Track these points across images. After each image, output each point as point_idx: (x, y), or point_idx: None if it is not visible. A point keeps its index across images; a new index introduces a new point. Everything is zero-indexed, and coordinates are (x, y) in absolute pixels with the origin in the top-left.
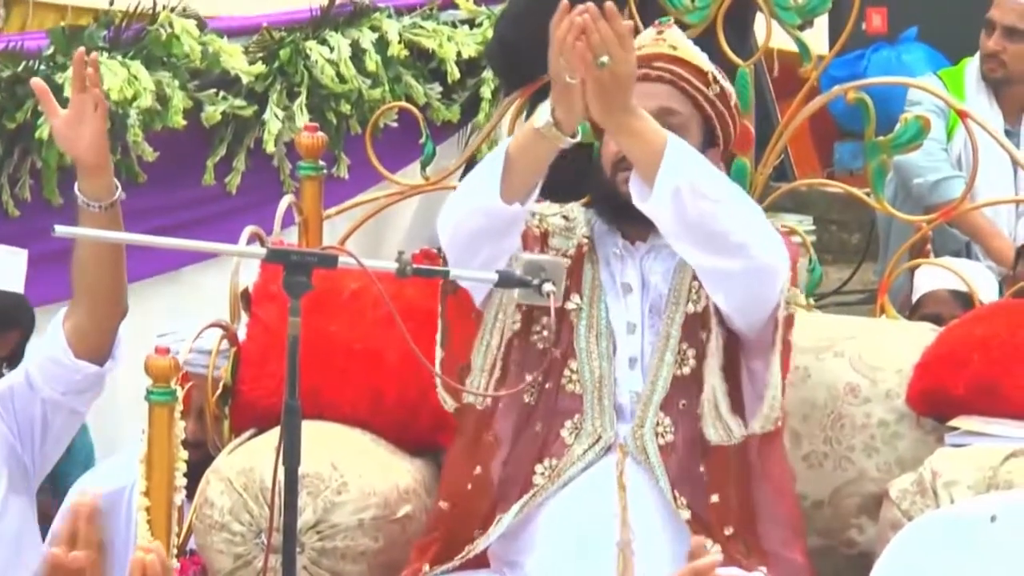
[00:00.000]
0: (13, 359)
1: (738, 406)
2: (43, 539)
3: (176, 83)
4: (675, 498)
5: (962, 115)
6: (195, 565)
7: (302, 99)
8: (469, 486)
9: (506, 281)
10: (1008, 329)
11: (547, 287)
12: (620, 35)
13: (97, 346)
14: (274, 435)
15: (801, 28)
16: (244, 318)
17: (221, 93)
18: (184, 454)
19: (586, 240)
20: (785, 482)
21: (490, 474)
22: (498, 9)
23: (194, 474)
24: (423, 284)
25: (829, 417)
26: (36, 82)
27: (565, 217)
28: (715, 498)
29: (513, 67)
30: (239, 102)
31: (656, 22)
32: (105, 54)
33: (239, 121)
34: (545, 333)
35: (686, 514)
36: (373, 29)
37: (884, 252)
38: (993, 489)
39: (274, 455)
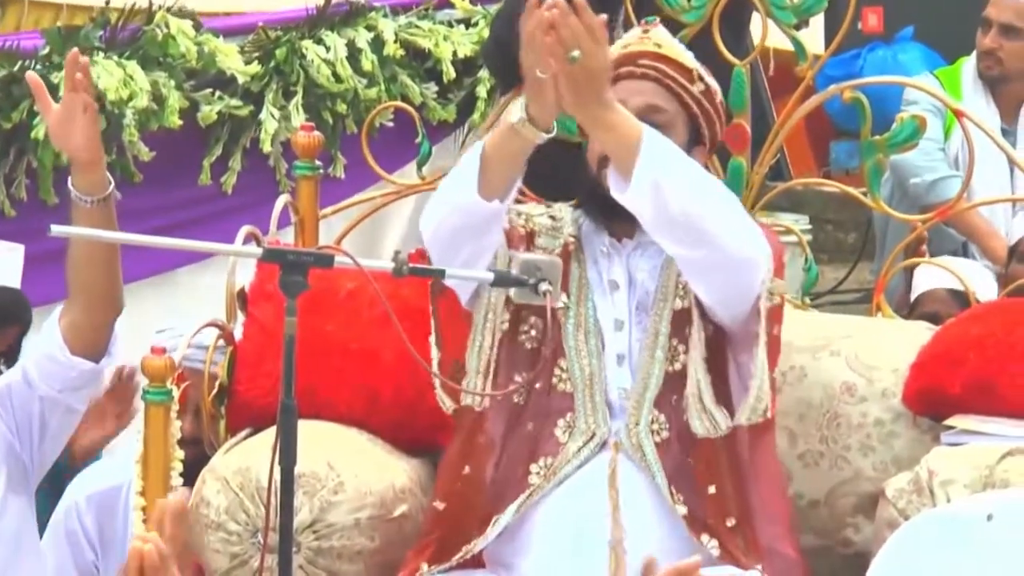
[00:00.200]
0: (10, 355)
1: (723, 397)
2: (40, 538)
3: (172, 83)
4: (672, 494)
5: (958, 114)
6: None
7: (298, 99)
8: (460, 486)
9: (502, 281)
10: (1004, 328)
11: (543, 286)
12: (591, 29)
13: (93, 343)
14: (270, 434)
15: (797, 27)
16: (240, 318)
17: (217, 93)
18: (180, 454)
19: (573, 239)
20: (777, 477)
21: (483, 475)
22: (494, 9)
23: (191, 471)
24: (419, 284)
25: (825, 416)
26: (31, 76)
27: (552, 217)
28: (712, 489)
29: (509, 66)
30: (235, 102)
31: (643, 21)
32: (101, 54)
33: (235, 121)
34: (533, 333)
35: (683, 509)
36: (369, 29)
37: (880, 251)
38: (989, 488)
39: (270, 454)
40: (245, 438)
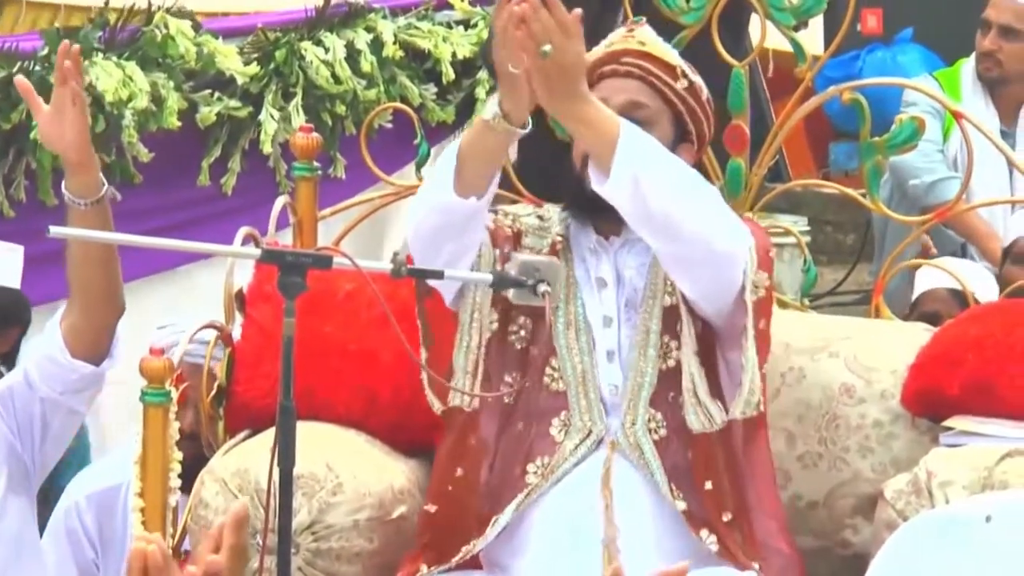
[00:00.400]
0: (10, 356)
1: (717, 391)
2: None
3: (171, 84)
4: (671, 491)
5: (957, 116)
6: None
7: (297, 100)
8: (451, 488)
9: (501, 282)
10: (1003, 329)
11: (542, 288)
12: (562, 23)
13: (94, 345)
14: (269, 436)
15: (796, 29)
16: (239, 319)
17: (216, 94)
18: (179, 455)
19: (560, 238)
20: (770, 473)
21: (476, 476)
22: (492, 10)
23: (192, 467)
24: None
25: (824, 418)
26: (20, 80)
27: (540, 217)
28: (708, 485)
29: None
30: (234, 103)
31: (629, 21)
32: (100, 55)
33: (234, 122)
34: (523, 333)
35: (682, 505)
36: (368, 30)
37: (879, 253)
38: (988, 489)
39: (269, 456)
40: (244, 439)
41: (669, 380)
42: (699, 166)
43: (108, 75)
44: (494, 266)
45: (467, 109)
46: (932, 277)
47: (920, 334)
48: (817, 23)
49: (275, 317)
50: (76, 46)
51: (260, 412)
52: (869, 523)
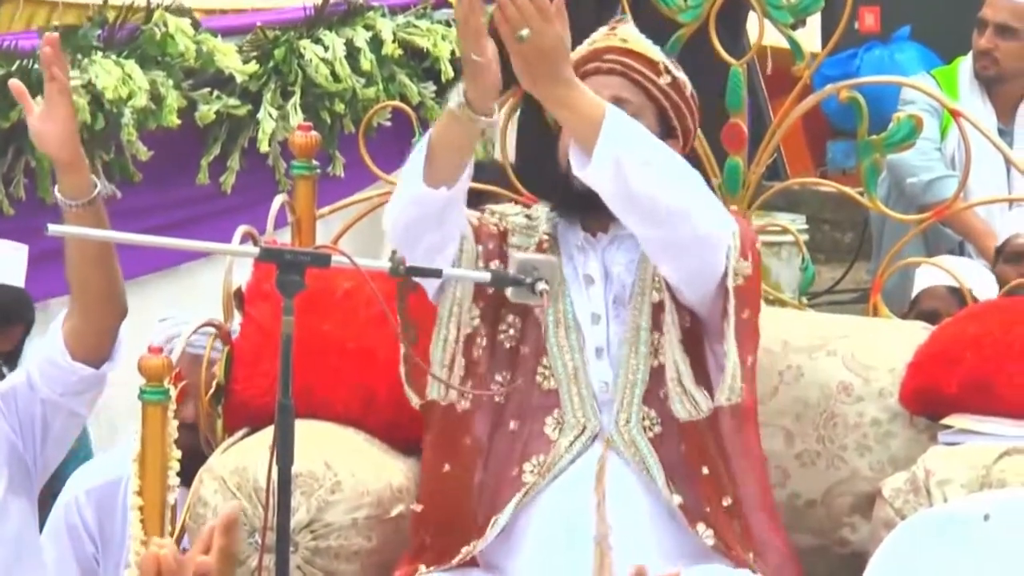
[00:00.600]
0: (14, 355)
1: (703, 379)
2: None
3: (170, 82)
4: (668, 486)
5: (955, 114)
6: None
7: (296, 98)
8: (439, 485)
9: (499, 280)
10: (1001, 327)
11: (540, 286)
12: (540, 7)
13: (94, 347)
14: (267, 434)
15: (794, 27)
16: (237, 317)
17: (215, 92)
18: (177, 453)
19: (547, 237)
20: (762, 469)
21: (469, 476)
22: (492, 9)
23: (193, 457)
24: (416, 284)
25: (822, 416)
26: (14, 83)
27: (528, 216)
28: (705, 470)
29: (507, 65)
30: (233, 101)
31: (612, 19)
32: (99, 53)
33: (233, 120)
34: (512, 332)
35: (679, 499)
36: (367, 28)
37: (877, 251)
38: (986, 488)
39: (267, 454)
40: (242, 438)
41: (660, 377)
42: (695, 161)
43: (107, 73)
44: (476, 262)
45: None
46: (932, 275)
47: (918, 332)
48: (815, 21)
49: (274, 315)
50: (55, 34)
51: (259, 410)
52: (867, 521)
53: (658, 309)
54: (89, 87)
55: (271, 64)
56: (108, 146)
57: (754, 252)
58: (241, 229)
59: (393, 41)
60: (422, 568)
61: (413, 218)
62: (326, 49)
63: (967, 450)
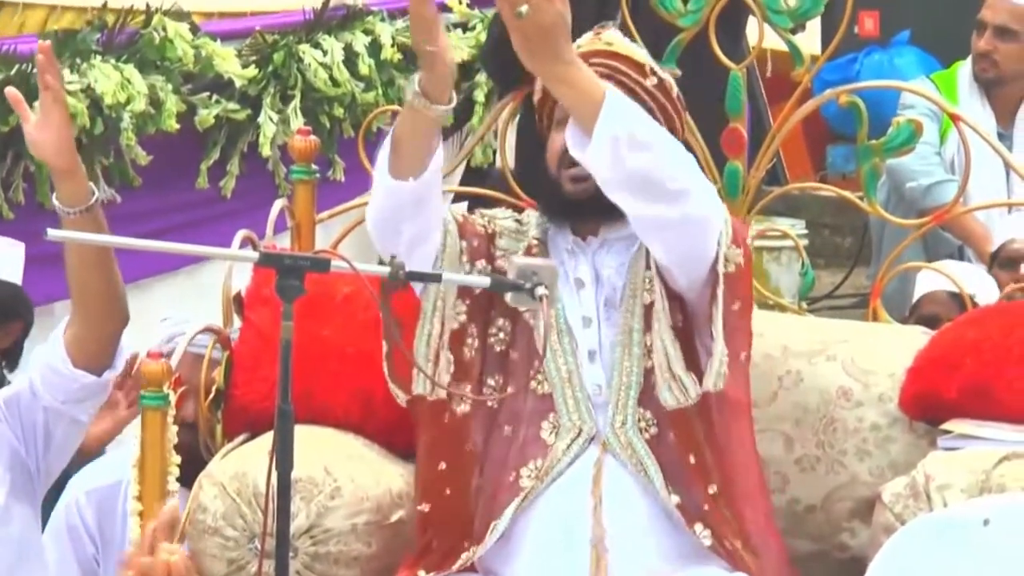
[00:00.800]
0: (14, 352)
1: (693, 365)
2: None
3: (169, 86)
4: (667, 487)
5: (955, 119)
6: None
7: (296, 103)
8: (436, 483)
9: (499, 285)
10: (1001, 332)
11: (540, 291)
12: None
13: (95, 354)
14: (267, 439)
15: (793, 31)
16: (237, 322)
17: (214, 96)
18: (177, 459)
19: (536, 241)
20: (756, 464)
21: (468, 480)
22: (491, 13)
23: (193, 457)
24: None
25: (821, 421)
26: (10, 91)
27: (518, 221)
28: (692, 459)
29: (507, 69)
30: (232, 105)
31: (598, 25)
32: (98, 57)
33: (232, 125)
34: (502, 335)
35: (676, 499)
36: (366, 32)
37: (877, 256)
38: (986, 493)
39: (267, 460)
40: (242, 443)
41: (654, 378)
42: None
43: (106, 77)
44: (460, 257)
45: (465, 112)
46: (933, 280)
47: (918, 337)
48: (814, 26)
49: (273, 320)
50: (47, 42)
51: (258, 415)
52: (867, 526)
53: (650, 310)
54: (88, 91)
55: (270, 68)
56: (107, 150)
57: (745, 246)
58: (241, 234)
59: (392, 45)
60: (421, 574)
61: (387, 210)
62: (325, 53)
63: (967, 455)
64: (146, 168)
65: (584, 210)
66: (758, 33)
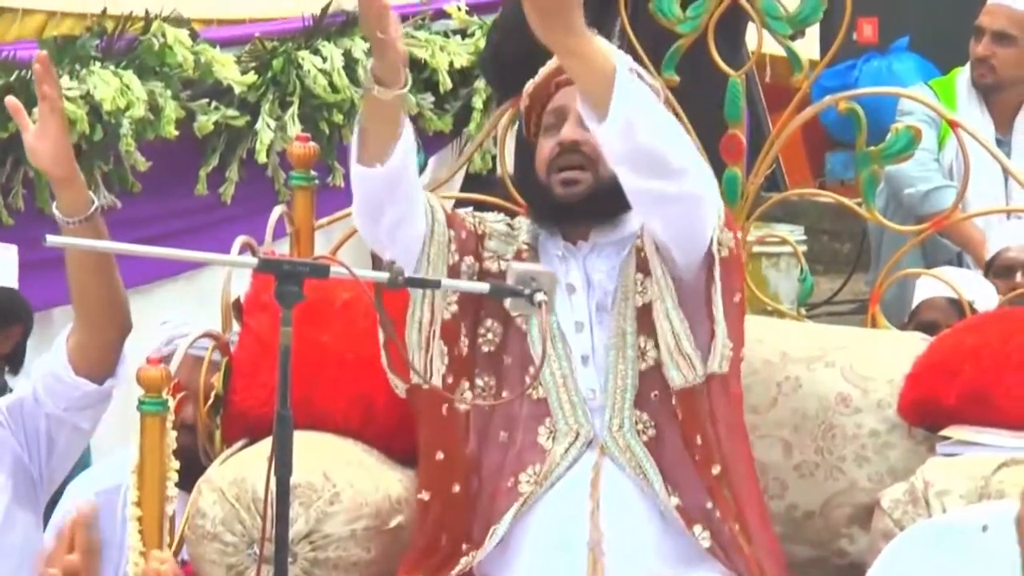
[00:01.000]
0: (16, 357)
1: (699, 341)
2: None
3: (168, 93)
4: (666, 488)
5: (953, 125)
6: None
7: (294, 109)
8: (437, 472)
9: (498, 291)
10: (999, 338)
11: (539, 297)
12: None
13: (97, 362)
14: (266, 445)
15: (792, 38)
16: (236, 328)
17: (213, 103)
18: (175, 464)
19: (526, 246)
20: (748, 452)
21: (466, 472)
22: (490, 19)
23: (194, 459)
24: None
25: (820, 427)
26: (10, 100)
27: (509, 225)
28: (699, 440)
29: (506, 76)
30: (231, 112)
31: None
32: (98, 63)
33: (231, 131)
34: (490, 336)
35: (675, 501)
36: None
37: (875, 262)
38: (985, 499)
39: (266, 465)
40: (241, 449)
41: (649, 380)
42: None
43: (106, 84)
44: (449, 246)
45: (464, 118)
46: (932, 286)
47: (917, 344)
48: (813, 32)
49: (272, 326)
50: (44, 52)
51: (257, 421)
52: (865, 533)
53: (642, 312)
54: (87, 98)
55: (269, 75)
56: (107, 157)
57: (735, 236)
58: (240, 240)
59: None
60: None
61: (363, 196)
62: (324, 60)
63: (965, 461)
64: (145, 174)
65: (575, 214)
66: (757, 40)
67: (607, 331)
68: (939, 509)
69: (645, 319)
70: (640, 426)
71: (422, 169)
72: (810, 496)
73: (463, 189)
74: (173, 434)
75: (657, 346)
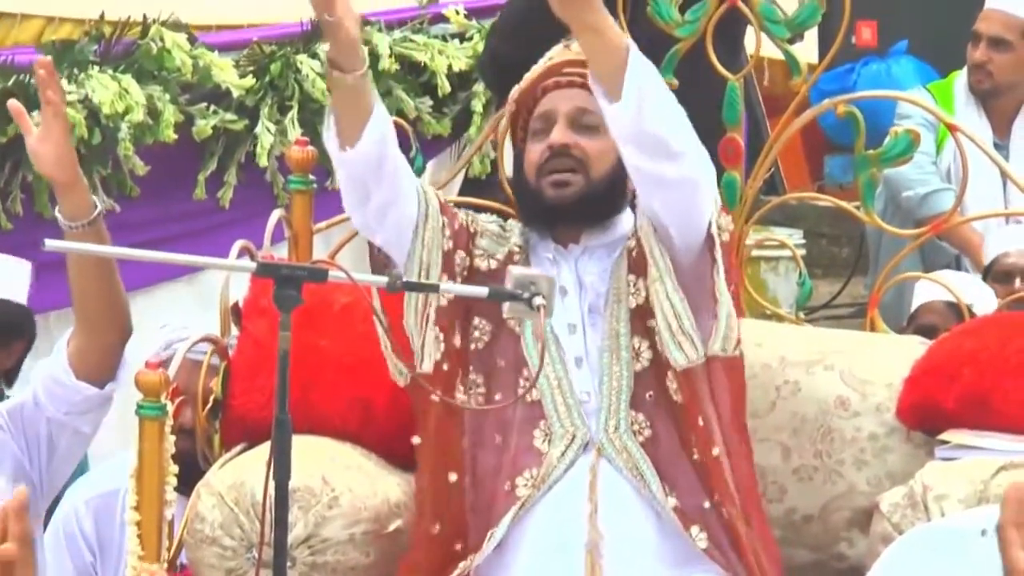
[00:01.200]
0: (14, 371)
1: (701, 324)
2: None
3: (167, 97)
4: (664, 489)
5: (952, 129)
6: None
7: (293, 113)
8: (433, 460)
9: (496, 295)
10: (998, 342)
11: (537, 300)
12: None
13: (97, 365)
14: (264, 449)
15: (791, 42)
16: (234, 332)
17: (212, 107)
18: (174, 468)
19: (518, 249)
20: (748, 461)
21: (462, 464)
22: (489, 23)
23: (192, 463)
24: None
25: (819, 431)
26: (13, 104)
27: (501, 227)
28: (700, 421)
29: (505, 79)
30: (230, 116)
31: (565, 39)
32: (96, 68)
33: (230, 135)
34: (477, 333)
35: (673, 502)
36: (364, 43)
37: (874, 266)
38: (984, 503)
39: (265, 469)
40: (239, 453)
41: (644, 380)
42: None
43: (104, 88)
44: (443, 231)
45: (463, 122)
46: (930, 290)
47: (915, 347)
48: (812, 35)
49: (271, 330)
50: (47, 58)
51: (256, 425)
52: (864, 536)
53: (636, 313)
54: (86, 102)
55: (268, 79)
56: (105, 161)
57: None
58: (238, 244)
59: (390, 56)
60: None
61: (345, 179)
62: (323, 64)
63: (964, 465)
64: (144, 178)
65: (566, 217)
66: (755, 44)
67: (600, 333)
68: (938, 513)
69: (639, 320)
70: (636, 427)
71: (420, 173)
72: (809, 500)
73: (462, 193)
74: (172, 438)
75: (652, 347)
